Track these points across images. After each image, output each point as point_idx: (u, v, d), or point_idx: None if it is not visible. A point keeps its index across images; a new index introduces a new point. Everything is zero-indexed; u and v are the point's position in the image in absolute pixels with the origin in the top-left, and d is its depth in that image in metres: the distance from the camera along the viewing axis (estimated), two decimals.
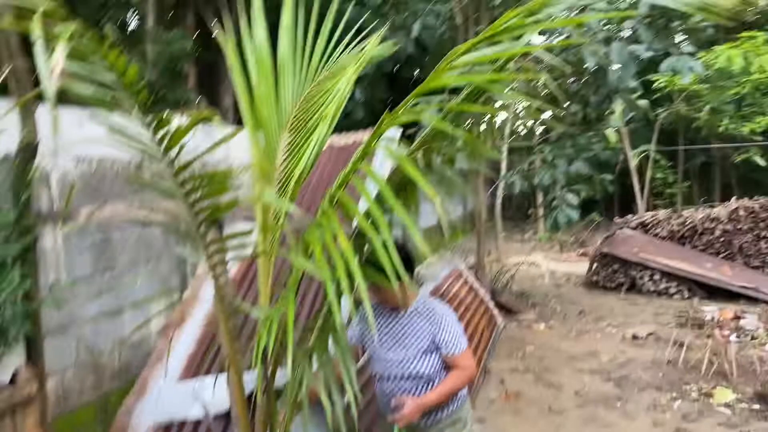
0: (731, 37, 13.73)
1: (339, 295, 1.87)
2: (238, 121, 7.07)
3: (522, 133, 15.93)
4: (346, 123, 12.72)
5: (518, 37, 2.11)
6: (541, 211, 12.93)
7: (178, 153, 1.80)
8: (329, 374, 2.25)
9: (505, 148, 10.86)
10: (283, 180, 2.26)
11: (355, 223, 2.23)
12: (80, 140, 3.81)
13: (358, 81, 7.38)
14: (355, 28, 2.64)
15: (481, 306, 6.40)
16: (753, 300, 7.95)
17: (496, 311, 6.83)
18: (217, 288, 2.08)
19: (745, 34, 12.85)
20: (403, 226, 2.40)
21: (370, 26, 2.77)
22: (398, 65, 7.98)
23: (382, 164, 4.97)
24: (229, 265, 3.73)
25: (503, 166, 11.05)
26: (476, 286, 6.67)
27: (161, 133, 1.73)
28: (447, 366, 2.55)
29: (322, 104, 2.32)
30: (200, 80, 11.62)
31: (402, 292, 2.49)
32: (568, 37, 6.26)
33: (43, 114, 3.13)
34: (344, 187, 2.07)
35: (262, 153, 2.21)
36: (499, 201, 11.58)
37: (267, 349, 1.95)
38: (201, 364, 3.67)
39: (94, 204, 4.18)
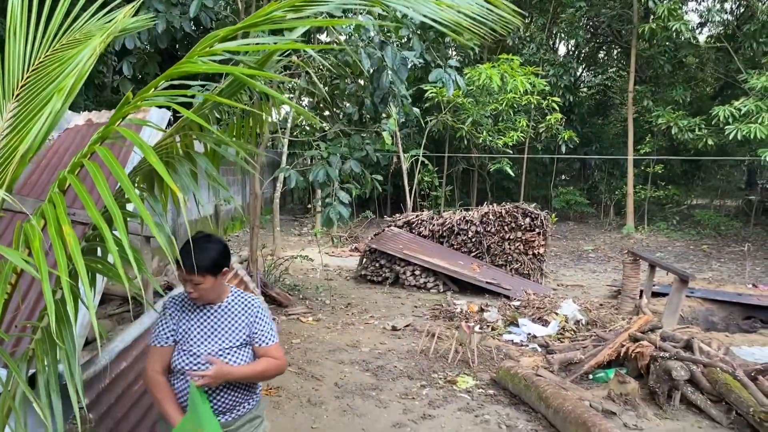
0: (494, 58, 15.39)
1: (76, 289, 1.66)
2: None
3: (306, 128, 16.11)
4: (114, 99, 11.66)
5: (281, 31, 2.08)
6: (318, 206, 13.23)
7: None
8: (52, 379, 2.01)
9: (286, 142, 10.84)
10: (4, 157, 1.95)
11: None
12: None
13: (125, 54, 6.68)
14: None
15: None
16: (496, 295, 8.96)
17: (265, 305, 6.78)
18: None
19: (504, 56, 14.47)
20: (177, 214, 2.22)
21: None
22: (173, 43, 7.50)
23: (150, 139, 4.63)
24: None
25: (284, 159, 11.03)
26: (246, 279, 6.55)
27: None
28: (257, 359, 2.53)
29: (60, 74, 2.05)
30: None
31: (217, 286, 2.42)
32: (348, 38, 6.45)
33: None
34: (78, 171, 1.85)
35: None
36: (278, 194, 11.56)
37: None
38: None
39: None
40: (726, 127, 13.49)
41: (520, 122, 15.46)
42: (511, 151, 15.88)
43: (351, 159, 6.65)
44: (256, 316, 2.50)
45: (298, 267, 10.50)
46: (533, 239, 10.01)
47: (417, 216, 10.91)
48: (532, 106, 15.20)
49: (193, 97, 1.96)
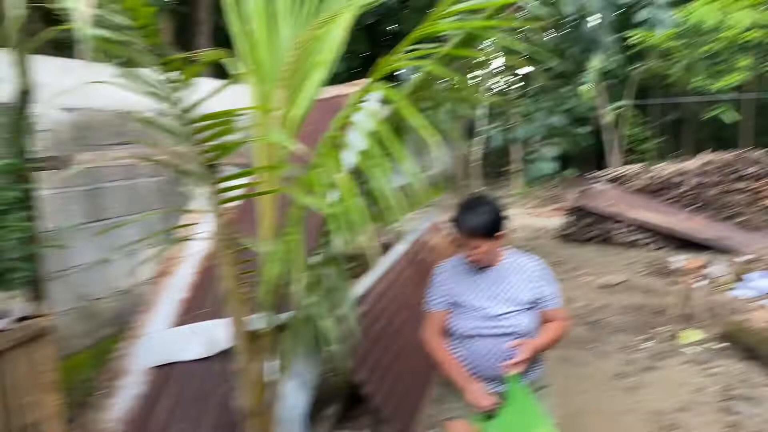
0: None
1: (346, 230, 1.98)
2: (216, 75, 7.01)
3: (500, 90, 16.01)
4: None
5: None
6: (516, 167, 13.16)
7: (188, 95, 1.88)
8: (325, 308, 2.40)
9: (486, 103, 10.94)
10: (281, 126, 2.36)
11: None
12: (69, 88, 3.83)
13: None
14: None
15: None
16: (718, 250, 8.28)
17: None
18: (221, 224, 2.17)
19: None
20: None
21: None
22: (378, 18, 7.96)
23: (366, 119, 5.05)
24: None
25: (479, 122, 11.18)
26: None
27: (171, 74, 1.81)
28: (542, 322, 2.45)
29: (315, 51, 2.40)
30: (175, 35, 11.42)
31: (492, 248, 2.37)
32: None
33: (37, 63, 3.15)
34: (342, 130, 2.18)
35: (262, 98, 2.31)
36: (476, 157, 11.75)
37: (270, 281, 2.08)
38: (196, 307, 3.79)
39: (83, 152, 4.22)
40: None
41: (742, 61, 13.75)
42: (728, 96, 14.24)
43: (556, 113, 6.59)
44: (542, 278, 2.41)
45: None
46: (762, 189, 9.01)
47: (625, 170, 10.39)
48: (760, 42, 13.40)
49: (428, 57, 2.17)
